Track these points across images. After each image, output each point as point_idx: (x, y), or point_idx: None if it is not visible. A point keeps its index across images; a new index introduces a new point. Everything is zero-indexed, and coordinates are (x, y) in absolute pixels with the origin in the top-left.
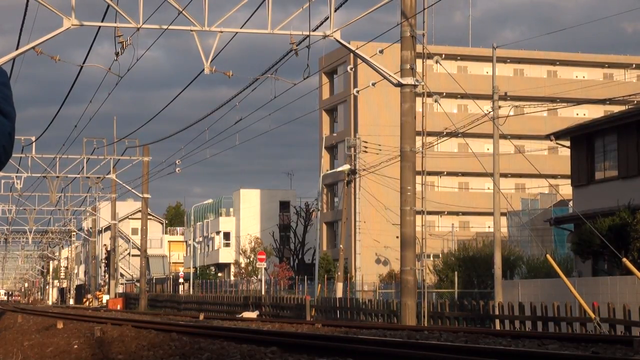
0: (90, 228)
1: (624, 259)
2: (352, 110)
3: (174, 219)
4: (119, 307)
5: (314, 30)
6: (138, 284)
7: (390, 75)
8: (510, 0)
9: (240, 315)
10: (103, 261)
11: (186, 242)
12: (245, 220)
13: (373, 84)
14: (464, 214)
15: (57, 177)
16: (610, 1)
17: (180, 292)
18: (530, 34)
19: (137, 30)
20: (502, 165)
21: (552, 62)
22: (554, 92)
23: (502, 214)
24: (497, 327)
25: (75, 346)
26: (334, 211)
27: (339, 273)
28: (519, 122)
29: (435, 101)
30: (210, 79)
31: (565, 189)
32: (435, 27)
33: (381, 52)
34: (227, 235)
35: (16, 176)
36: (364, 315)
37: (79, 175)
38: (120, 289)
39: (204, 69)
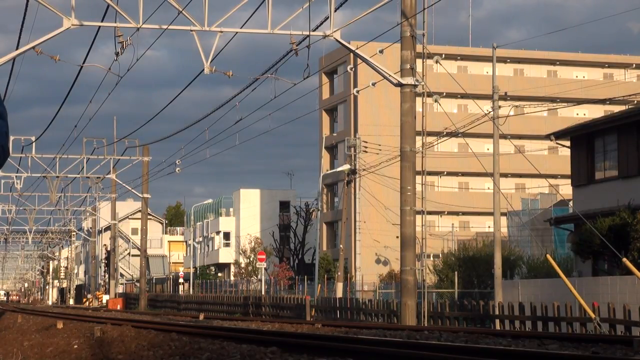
0: (90, 228)
1: (624, 259)
2: (352, 110)
3: (174, 219)
4: (119, 307)
5: (314, 30)
6: (138, 284)
7: (390, 75)
8: (517, 0)
9: None
10: (103, 261)
11: (186, 242)
12: (245, 220)
13: (373, 84)
14: (464, 214)
15: (57, 177)
16: (617, 1)
17: (180, 292)
18: (536, 34)
19: (137, 30)
20: (502, 165)
21: (552, 62)
22: (554, 92)
23: (502, 214)
24: (497, 327)
25: (75, 346)
26: (334, 211)
27: (339, 273)
28: (519, 122)
29: (435, 101)
30: (214, 78)
31: (565, 189)
32: (440, 27)
33: (381, 52)
34: (227, 235)
35: (16, 176)
36: (364, 315)
37: (79, 175)
38: (120, 289)
39: (203, 69)
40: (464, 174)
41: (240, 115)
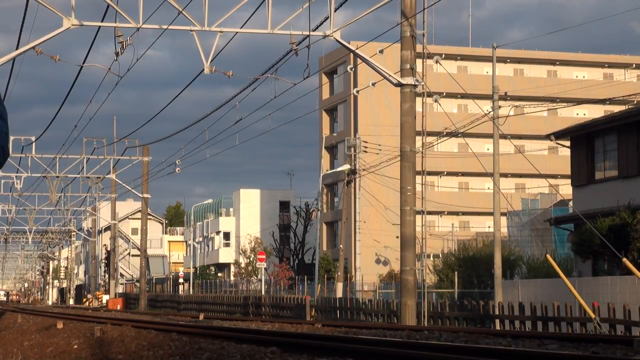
0: (90, 228)
1: (624, 259)
2: (352, 110)
3: (174, 219)
4: (119, 307)
5: (314, 30)
6: (138, 284)
7: (390, 75)
8: (519, 0)
9: None
10: (103, 261)
11: (186, 242)
12: (245, 220)
13: (373, 84)
14: (464, 214)
15: (57, 177)
16: (619, 0)
17: (180, 292)
18: (537, 34)
19: (137, 30)
20: (502, 165)
21: (552, 62)
22: (554, 92)
23: (502, 214)
24: (497, 327)
25: (75, 346)
26: (334, 211)
27: (339, 273)
28: (519, 122)
29: (435, 101)
30: (214, 78)
31: (565, 189)
32: (440, 27)
33: (381, 52)
34: (227, 235)
35: (16, 176)
36: (364, 315)
37: (79, 175)
38: (120, 289)
39: (203, 69)
40: (464, 174)
41: (240, 115)
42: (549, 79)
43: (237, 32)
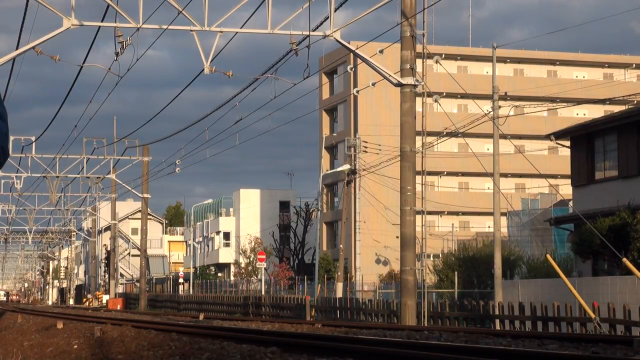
0: (90, 228)
1: (624, 259)
2: (352, 110)
3: (174, 219)
4: (119, 307)
5: (314, 30)
6: (138, 284)
7: (390, 75)
8: (520, 0)
9: None
10: (103, 261)
11: (186, 242)
12: (245, 220)
13: (373, 84)
14: (464, 214)
15: (57, 177)
16: (619, 0)
17: (180, 292)
18: (538, 34)
19: (137, 30)
20: (502, 165)
21: (552, 62)
22: (554, 92)
23: (502, 214)
24: (497, 327)
25: (75, 346)
26: (334, 211)
27: (339, 273)
28: (519, 122)
29: (435, 101)
30: (214, 78)
31: (565, 189)
32: (441, 27)
33: (381, 52)
34: (227, 235)
35: (16, 176)
36: (364, 315)
37: (79, 175)
38: (120, 289)
39: (203, 69)
40: (464, 174)
41: (240, 115)
42: (549, 79)
43: (237, 32)
